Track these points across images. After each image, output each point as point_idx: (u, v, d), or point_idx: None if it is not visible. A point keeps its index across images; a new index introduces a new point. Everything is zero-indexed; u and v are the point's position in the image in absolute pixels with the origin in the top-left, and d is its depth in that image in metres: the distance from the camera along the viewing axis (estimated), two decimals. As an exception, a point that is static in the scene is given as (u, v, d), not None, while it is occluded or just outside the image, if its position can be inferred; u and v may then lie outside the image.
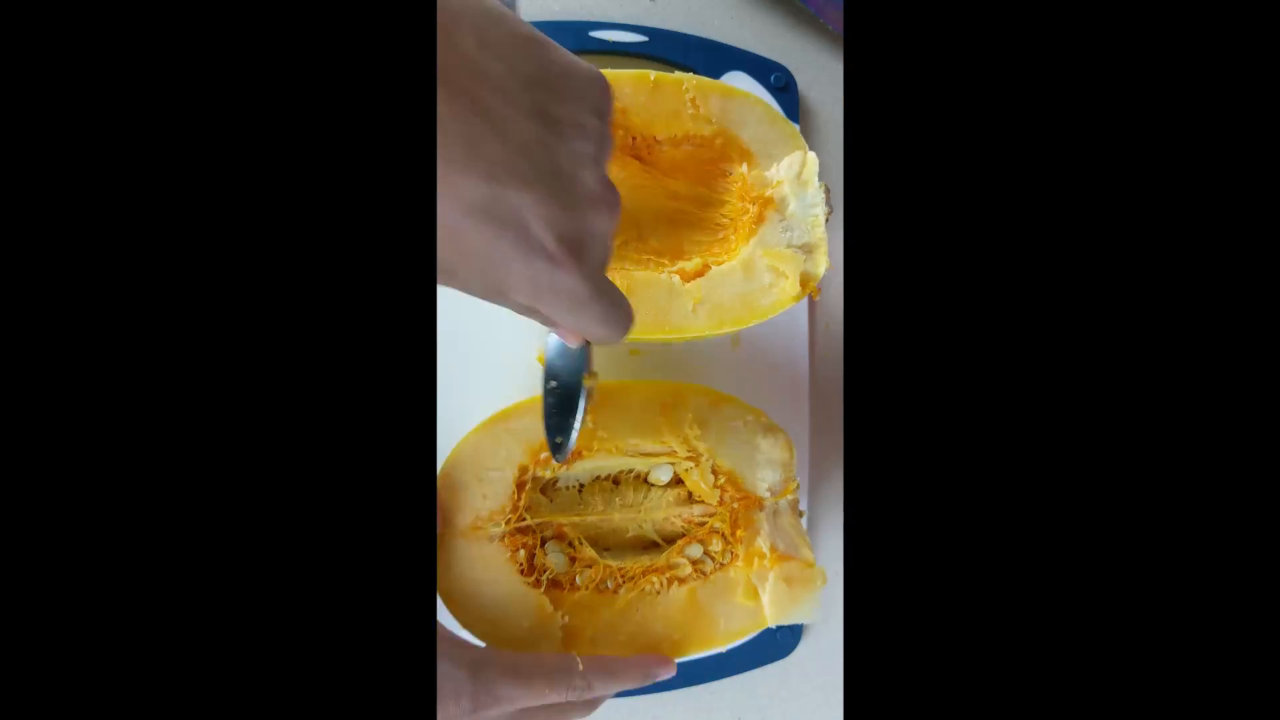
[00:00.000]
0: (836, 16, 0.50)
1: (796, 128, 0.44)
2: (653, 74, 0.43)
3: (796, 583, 0.42)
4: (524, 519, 0.42)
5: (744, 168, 0.44)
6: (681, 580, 0.43)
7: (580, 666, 0.37)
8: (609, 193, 0.26)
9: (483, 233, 0.23)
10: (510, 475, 0.42)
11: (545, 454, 0.42)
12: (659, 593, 0.42)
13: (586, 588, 0.42)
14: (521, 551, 0.42)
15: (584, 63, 0.27)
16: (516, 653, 0.37)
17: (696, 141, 0.43)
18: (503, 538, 0.42)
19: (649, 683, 0.39)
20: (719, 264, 0.43)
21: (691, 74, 0.43)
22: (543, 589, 0.41)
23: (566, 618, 0.41)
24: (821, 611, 0.44)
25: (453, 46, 0.22)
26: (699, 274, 0.43)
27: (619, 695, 0.51)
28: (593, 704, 0.38)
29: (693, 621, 0.42)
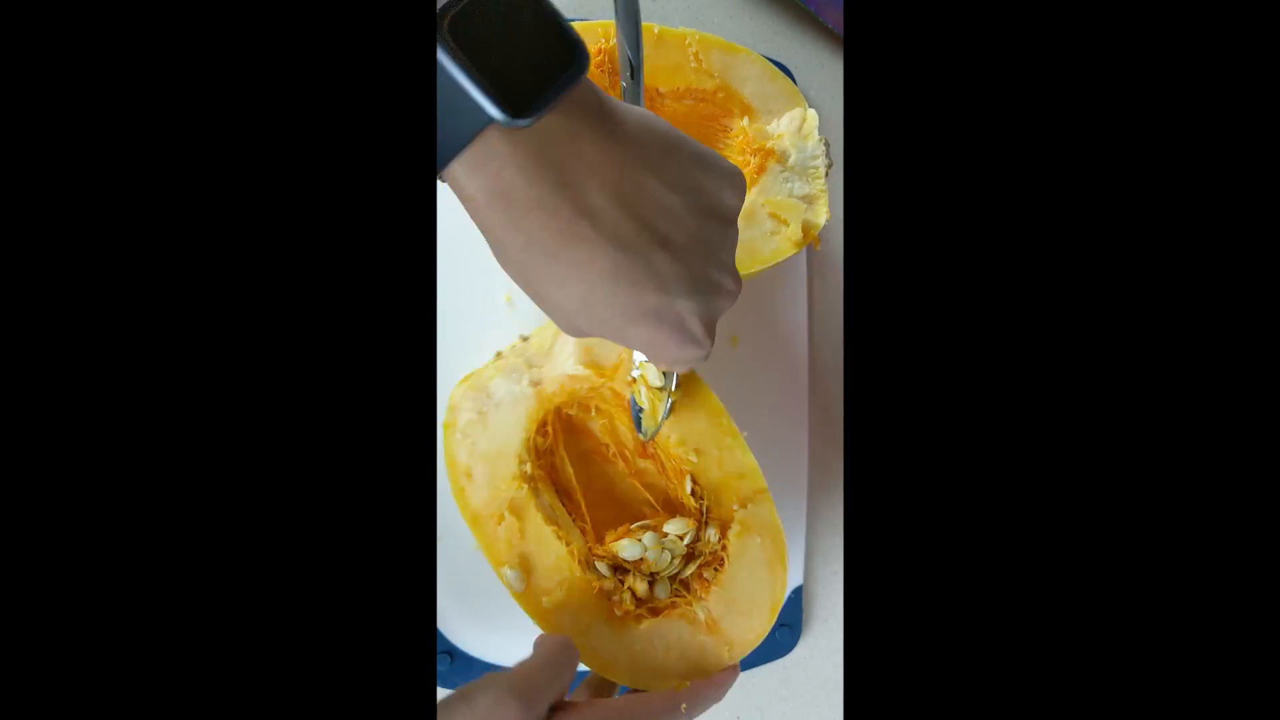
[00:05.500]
0: (836, 16, 0.51)
1: (795, 86, 0.45)
2: (656, 27, 0.43)
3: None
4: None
5: (745, 121, 0.44)
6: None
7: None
8: (737, 284, 0.32)
9: (653, 329, 0.29)
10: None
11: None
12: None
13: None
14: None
15: (725, 162, 0.31)
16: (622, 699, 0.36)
17: (698, 95, 0.44)
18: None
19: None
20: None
21: (695, 30, 0.44)
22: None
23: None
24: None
25: (636, 184, 0.27)
26: None
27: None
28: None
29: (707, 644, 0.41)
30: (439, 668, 0.46)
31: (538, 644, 0.35)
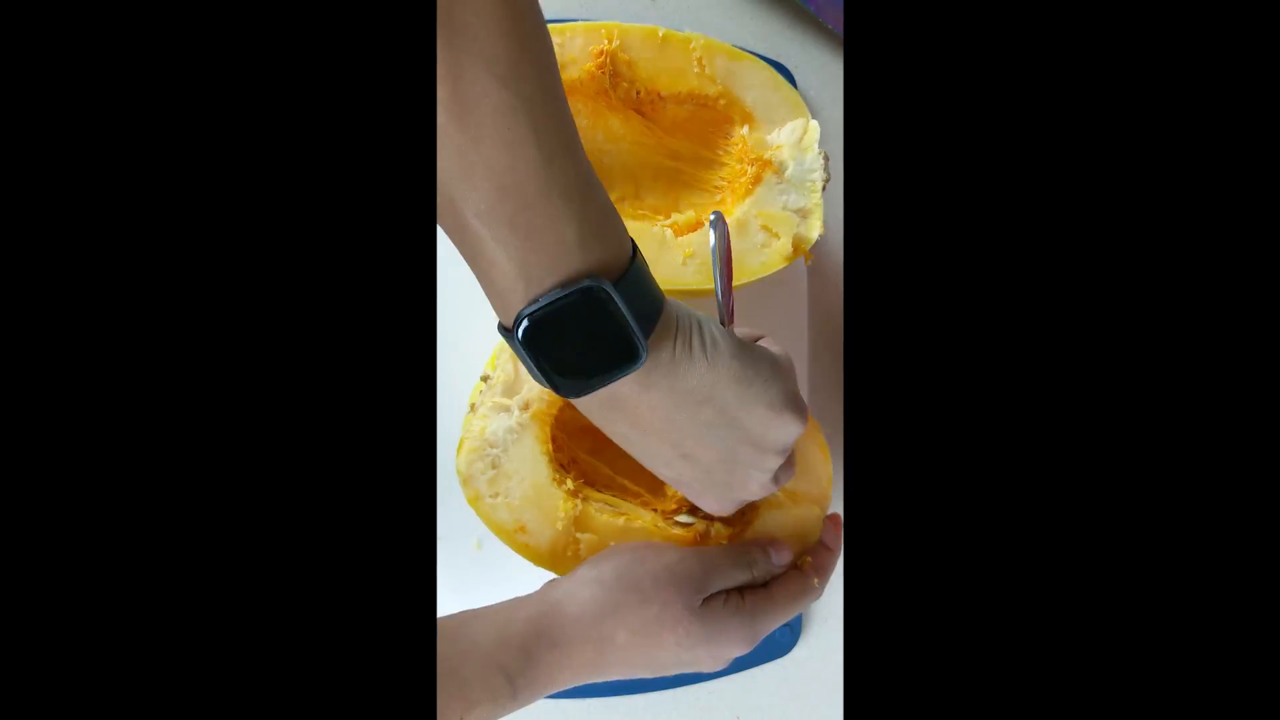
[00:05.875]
0: (836, 16, 0.51)
1: (799, 96, 0.45)
2: (661, 30, 0.43)
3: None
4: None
5: (745, 129, 0.44)
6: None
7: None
8: (766, 490, 0.37)
9: (674, 487, 0.37)
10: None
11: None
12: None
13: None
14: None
15: (785, 411, 0.34)
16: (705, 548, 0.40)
17: (700, 101, 0.44)
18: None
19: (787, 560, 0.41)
20: (713, 221, 0.43)
21: (700, 34, 0.44)
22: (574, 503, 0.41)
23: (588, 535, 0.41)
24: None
25: (668, 420, 0.32)
26: (692, 228, 0.43)
27: (617, 695, 0.50)
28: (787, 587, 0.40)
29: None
30: (440, 668, 0.46)
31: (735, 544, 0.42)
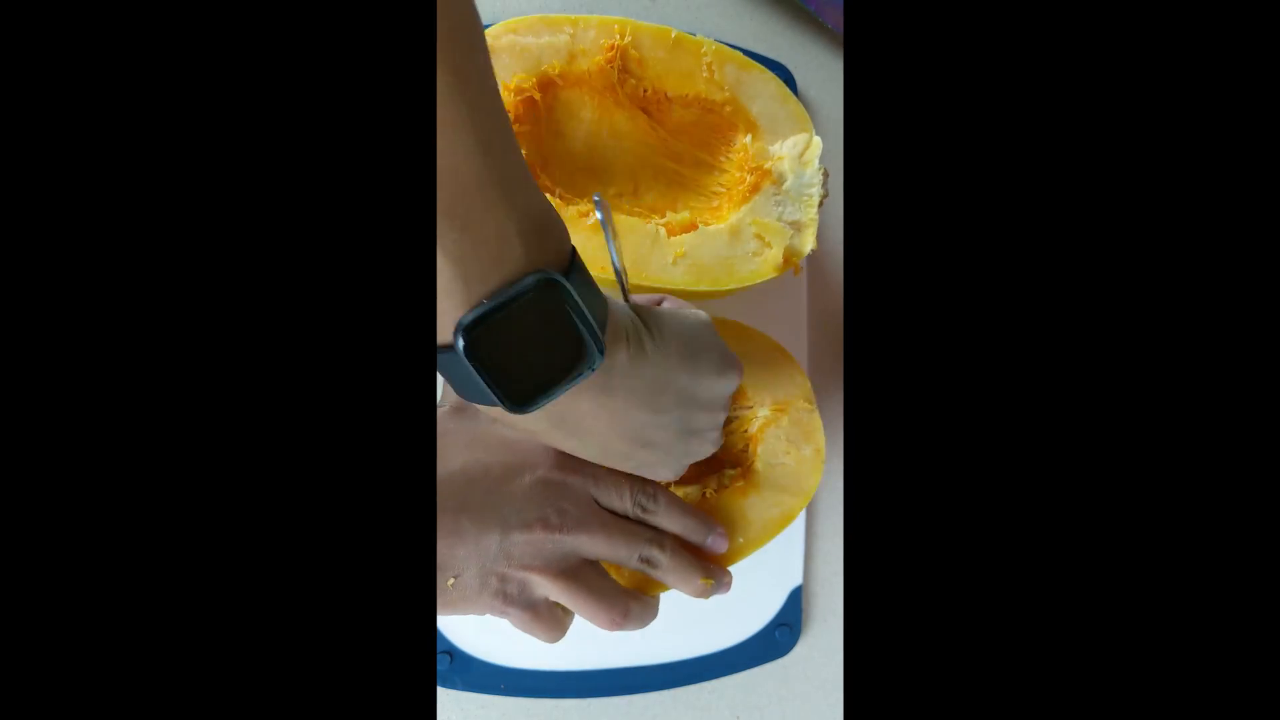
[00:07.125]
0: (836, 16, 0.51)
1: (805, 111, 0.45)
2: (674, 31, 0.43)
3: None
4: None
5: (748, 139, 0.44)
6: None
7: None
8: (717, 444, 0.38)
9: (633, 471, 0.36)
10: None
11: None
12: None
13: None
14: None
15: (727, 369, 0.35)
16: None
17: (706, 105, 0.44)
18: None
19: (704, 539, 0.39)
20: (708, 225, 0.43)
21: (712, 39, 0.44)
22: None
23: None
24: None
25: (626, 418, 0.31)
26: (686, 229, 0.43)
27: (617, 694, 0.50)
28: (656, 542, 0.37)
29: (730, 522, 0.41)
30: (439, 668, 0.46)
31: None
